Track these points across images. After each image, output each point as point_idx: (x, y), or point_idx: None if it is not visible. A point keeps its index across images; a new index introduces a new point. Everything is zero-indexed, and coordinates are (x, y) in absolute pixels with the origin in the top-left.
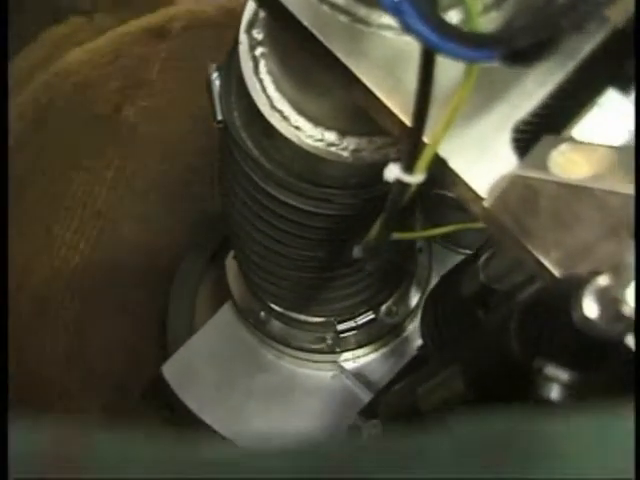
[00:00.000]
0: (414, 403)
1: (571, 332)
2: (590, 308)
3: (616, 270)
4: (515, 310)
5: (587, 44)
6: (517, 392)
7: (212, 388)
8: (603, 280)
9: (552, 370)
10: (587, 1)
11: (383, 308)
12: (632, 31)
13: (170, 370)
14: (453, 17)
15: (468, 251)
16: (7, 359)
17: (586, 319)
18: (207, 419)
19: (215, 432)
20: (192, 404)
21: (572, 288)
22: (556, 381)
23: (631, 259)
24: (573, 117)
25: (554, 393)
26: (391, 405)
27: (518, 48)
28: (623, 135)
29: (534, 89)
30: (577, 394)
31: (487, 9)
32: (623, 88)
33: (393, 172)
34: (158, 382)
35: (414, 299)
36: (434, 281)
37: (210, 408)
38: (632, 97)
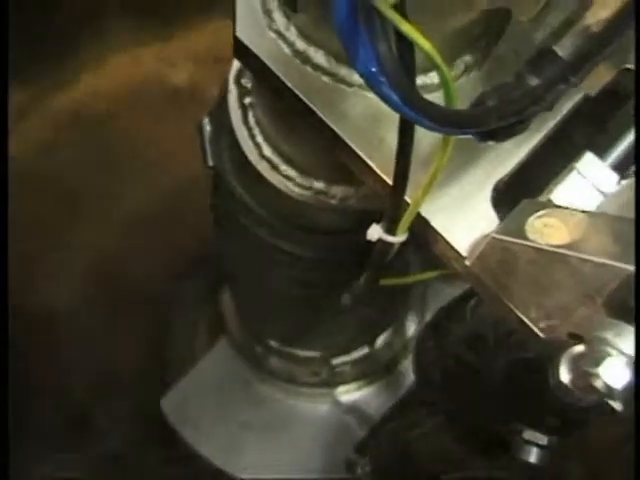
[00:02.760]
0: (402, 448)
1: (547, 397)
2: (565, 375)
3: (591, 342)
4: (496, 370)
5: (567, 104)
6: (500, 451)
7: (209, 421)
8: (579, 349)
9: (531, 434)
10: (557, 85)
11: (378, 341)
12: (606, 99)
13: (168, 404)
14: (434, 78)
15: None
16: (7, 359)
17: (561, 384)
18: (205, 452)
19: (213, 465)
20: (190, 437)
21: (551, 352)
22: (535, 445)
23: (603, 332)
24: (552, 178)
25: (533, 457)
26: (379, 447)
27: (487, 130)
28: (598, 199)
29: (514, 148)
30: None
31: (469, 69)
32: (599, 152)
33: (376, 232)
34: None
35: (409, 332)
36: (430, 313)
37: (207, 441)
38: (608, 161)
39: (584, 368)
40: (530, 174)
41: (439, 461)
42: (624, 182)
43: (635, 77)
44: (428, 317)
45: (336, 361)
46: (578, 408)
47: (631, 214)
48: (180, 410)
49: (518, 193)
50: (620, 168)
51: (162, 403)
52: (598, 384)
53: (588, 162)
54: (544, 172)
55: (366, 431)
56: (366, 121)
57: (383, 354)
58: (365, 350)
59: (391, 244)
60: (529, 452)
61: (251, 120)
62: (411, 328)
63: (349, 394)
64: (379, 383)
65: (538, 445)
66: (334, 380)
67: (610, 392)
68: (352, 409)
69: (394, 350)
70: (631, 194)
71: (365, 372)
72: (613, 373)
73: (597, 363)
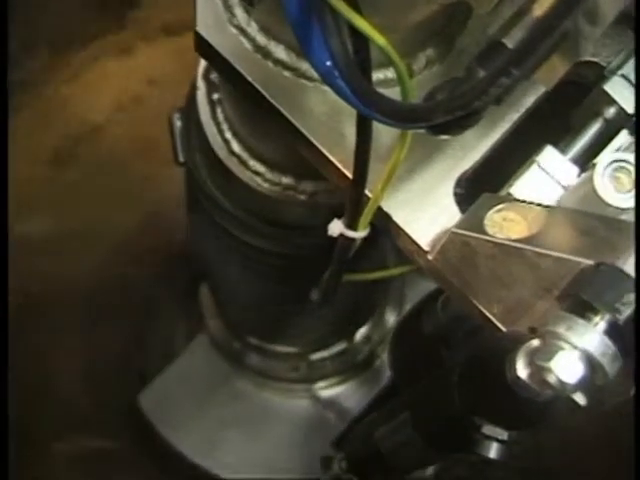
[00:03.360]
0: (373, 443)
1: (505, 391)
2: (521, 369)
3: (545, 337)
4: (457, 364)
5: (530, 96)
6: (461, 446)
7: (187, 417)
8: (534, 343)
9: (490, 429)
10: (506, 76)
11: (357, 336)
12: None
13: (146, 400)
14: (389, 73)
15: None
16: (7, 360)
17: (518, 379)
18: (182, 449)
19: (191, 461)
20: (168, 434)
21: (508, 346)
22: (494, 440)
23: (557, 327)
24: (513, 172)
25: (492, 452)
26: (353, 442)
27: (436, 123)
28: (558, 193)
29: (476, 142)
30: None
31: (430, 63)
32: (560, 146)
33: (337, 227)
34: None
35: (388, 326)
36: (408, 306)
37: (186, 438)
38: (569, 155)
39: (538, 363)
40: (492, 168)
41: (407, 457)
42: (584, 175)
43: (635, 76)
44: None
45: (315, 356)
46: (536, 403)
47: (590, 208)
48: (158, 407)
49: (480, 187)
50: (580, 162)
51: (140, 399)
52: (551, 379)
53: (548, 156)
54: (506, 166)
55: (345, 426)
56: (327, 116)
57: (362, 348)
58: (344, 345)
59: (352, 239)
60: (488, 447)
61: (220, 116)
62: (390, 322)
63: (328, 389)
64: (358, 378)
65: (498, 440)
66: (313, 375)
67: (563, 386)
68: (331, 404)
69: (373, 344)
70: (590, 187)
71: (344, 367)
72: (565, 367)
73: (550, 357)
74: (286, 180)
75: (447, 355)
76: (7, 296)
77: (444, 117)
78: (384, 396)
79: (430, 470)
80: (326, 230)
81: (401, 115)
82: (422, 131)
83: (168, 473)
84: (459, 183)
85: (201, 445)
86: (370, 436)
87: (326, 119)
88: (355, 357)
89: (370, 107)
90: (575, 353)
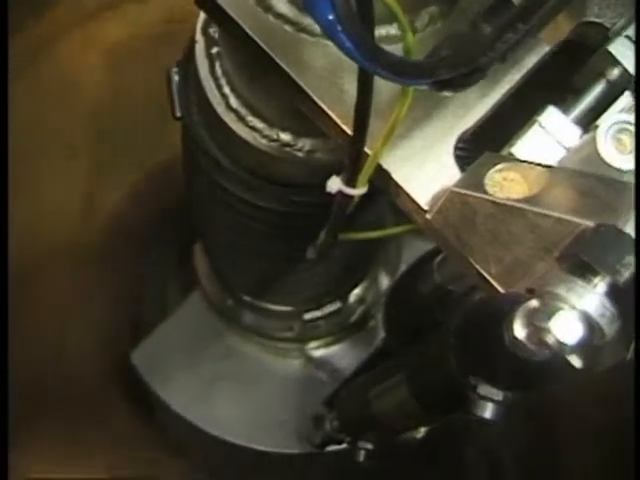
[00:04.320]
0: (366, 403)
1: (502, 352)
2: (520, 330)
3: (544, 298)
4: (454, 324)
5: (532, 56)
6: (457, 407)
7: (180, 374)
8: (533, 304)
9: (486, 389)
10: (512, 32)
11: (351, 296)
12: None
13: (139, 357)
14: (392, 30)
15: None
16: (7, 359)
17: (516, 340)
18: (175, 405)
19: (183, 418)
20: (160, 390)
21: (506, 307)
22: (490, 400)
23: (556, 287)
24: (515, 131)
25: (487, 412)
26: (345, 401)
27: (440, 79)
28: (560, 153)
29: (477, 101)
30: None
31: (433, 20)
32: (563, 107)
33: (335, 184)
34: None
35: (383, 287)
36: (403, 268)
37: (178, 394)
38: (571, 116)
39: (536, 323)
40: (494, 128)
41: (399, 418)
42: (586, 136)
43: (635, 77)
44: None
45: (308, 316)
46: (533, 364)
47: (591, 169)
48: (151, 363)
49: (481, 146)
50: (583, 123)
51: (132, 355)
52: (549, 339)
53: (550, 116)
54: (508, 126)
55: (337, 386)
56: (327, 72)
57: (356, 309)
58: (338, 305)
59: (351, 196)
60: (484, 408)
61: (218, 71)
62: (384, 283)
63: (321, 349)
64: (351, 338)
65: (493, 401)
66: (306, 335)
67: (561, 347)
68: (324, 364)
69: (367, 305)
70: (592, 149)
71: (337, 327)
72: (564, 328)
73: (548, 318)
74: (284, 137)
75: (441, 316)
76: (7, 293)
77: (449, 73)
78: (377, 357)
79: (421, 432)
80: (323, 188)
81: (405, 70)
82: (424, 88)
83: (160, 429)
84: (460, 142)
85: (193, 401)
86: (363, 396)
87: (326, 75)
88: (349, 318)
89: (374, 62)
90: (574, 314)
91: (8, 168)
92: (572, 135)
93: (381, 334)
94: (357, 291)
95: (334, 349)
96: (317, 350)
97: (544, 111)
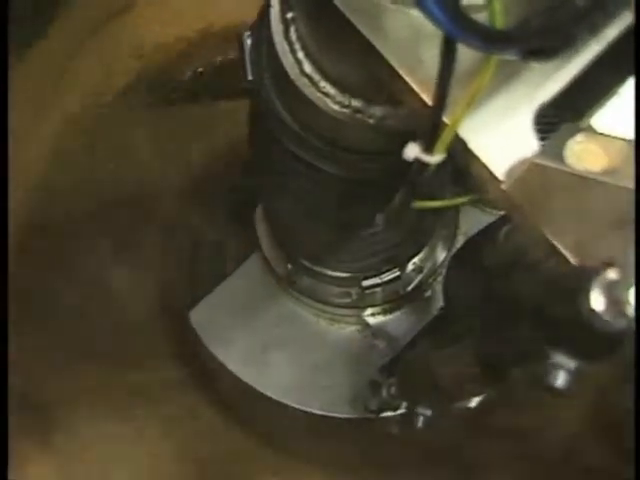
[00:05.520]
0: (428, 369)
1: (578, 323)
2: (597, 301)
3: (622, 269)
4: (530, 294)
5: (614, 29)
6: (525, 374)
7: (236, 336)
8: (611, 275)
9: (560, 358)
10: (602, 7)
11: (409, 265)
12: None
13: (197, 316)
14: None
15: (495, 211)
16: (7, 358)
17: (592, 311)
18: (230, 366)
19: (237, 378)
20: (216, 350)
21: (583, 279)
22: (562, 369)
23: (632, 259)
24: (595, 104)
25: (560, 381)
26: (406, 367)
27: (531, 49)
28: None
29: (557, 70)
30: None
31: None
32: None
33: (413, 151)
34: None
35: (440, 257)
36: (460, 239)
37: (234, 355)
38: None
39: (614, 294)
40: (573, 99)
41: (461, 383)
42: None
43: (635, 76)
44: (459, 244)
45: (366, 282)
46: (609, 334)
47: None
48: (208, 323)
49: (560, 118)
50: None
51: (191, 315)
52: (628, 310)
53: (632, 87)
54: (589, 97)
55: (393, 354)
56: (408, 39)
57: (413, 278)
58: (396, 273)
59: (427, 164)
60: (556, 376)
61: (293, 35)
62: (442, 254)
63: (378, 317)
64: (408, 307)
65: (565, 369)
66: (364, 302)
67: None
68: (380, 332)
69: (424, 275)
70: None
71: (395, 295)
72: None
73: (627, 288)
74: (356, 103)
75: (504, 286)
76: (7, 291)
77: (539, 44)
78: (433, 327)
79: (473, 403)
80: (393, 155)
81: (496, 39)
82: (511, 58)
83: (213, 389)
84: (539, 112)
85: (247, 363)
86: (425, 362)
87: (406, 42)
88: (406, 286)
89: (463, 30)
90: None
91: (7, 164)
92: None
93: (437, 304)
94: (415, 260)
95: (390, 317)
96: (373, 317)
97: (625, 82)
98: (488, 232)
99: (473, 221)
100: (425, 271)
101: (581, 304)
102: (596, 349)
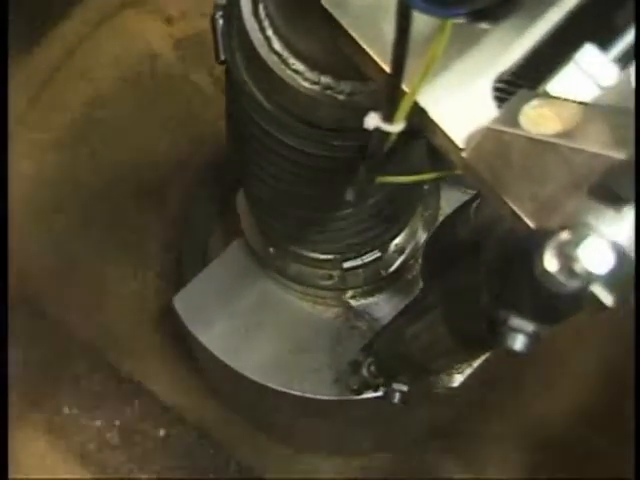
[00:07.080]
0: (402, 342)
1: (533, 284)
2: (550, 262)
3: (574, 228)
4: (484, 260)
5: None
6: (489, 340)
7: (220, 320)
8: (563, 236)
9: (517, 321)
10: None
11: (391, 246)
12: None
13: (181, 302)
14: None
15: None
16: (7, 358)
17: (546, 272)
18: (215, 350)
19: (222, 362)
20: (201, 335)
21: (537, 241)
22: (520, 332)
23: (587, 218)
24: (553, 70)
25: (518, 344)
26: (382, 342)
27: (478, 8)
28: (594, 91)
29: (515, 39)
30: None
31: None
32: (603, 44)
33: (373, 120)
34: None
35: (422, 239)
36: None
37: (218, 340)
38: (611, 54)
39: (566, 252)
40: (534, 68)
41: (433, 355)
42: (622, 72)
43: (635, 76)
44: None
45: (348, 264)
46: (563, 295)
47: (625, 104)
48: (192, 308)
49: (520, 86)
50: (622, 62)
51: (174, 301)
52: (578, 268)
53: (587, 54)
54: (548, 66)
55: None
56: (368, 12)
57: (395, 259)
58: (377, 254)
59: (388, 133)
60: (514, 339)
61: (261, 13)
62: (422, 236)
63: (360, 298)
64: (390, 289)
65: (524, 332)
66: (345, 284)
67: (590, 277)
68: (362, 313)
69: (406, 256)
70: (629, 87)
71: (376, 277)
72: (592, 255)
73: (577, 245)
74: (325, 79)
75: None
76: (7, 292)
77: (485, 1)
78: (413, 307)
79: (456, 382)
80: (363, 132)
81: (445, 1)
82: (460, 20)
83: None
84: (499, 81)
85: (230, 345)
86: (400, 336)
87: (366, 14)
88: (388, 267)
89: None
90: (603, 242)
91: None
92: (609, 74)
93: (418, 286)
94: (397, 241)
95: (372, 299)
96: (355, 299)
97: (581, 49)
98: (462, 208)
99: (454, 202)
100: (407, 252)
101: (535, 265)
102: (551, 311)
